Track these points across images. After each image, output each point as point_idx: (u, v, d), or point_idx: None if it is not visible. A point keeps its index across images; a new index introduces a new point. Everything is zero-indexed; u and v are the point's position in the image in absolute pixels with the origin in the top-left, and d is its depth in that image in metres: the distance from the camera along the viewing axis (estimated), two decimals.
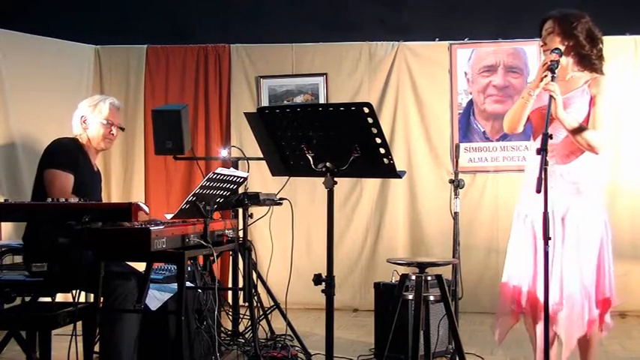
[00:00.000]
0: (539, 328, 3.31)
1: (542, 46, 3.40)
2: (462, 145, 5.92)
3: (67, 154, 3.73)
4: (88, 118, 3.86)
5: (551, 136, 3.00)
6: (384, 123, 5.65)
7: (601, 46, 3.38)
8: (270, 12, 6.36)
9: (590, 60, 3.36)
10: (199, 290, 3.89)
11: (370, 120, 2.70)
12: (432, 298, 3.72)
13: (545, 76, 3.18)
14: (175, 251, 3.29)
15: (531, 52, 6.01)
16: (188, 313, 3.62)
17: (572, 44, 3.34)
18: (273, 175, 3.65)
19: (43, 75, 5.84)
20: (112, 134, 3.91)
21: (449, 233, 4.46)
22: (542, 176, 2.88)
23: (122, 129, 4.03)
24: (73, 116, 3.90)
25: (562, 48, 3.32)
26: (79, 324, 3.41)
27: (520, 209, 3.46)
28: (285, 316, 4.45)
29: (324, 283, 2.86)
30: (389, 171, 2.87)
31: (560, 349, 3.40)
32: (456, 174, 4.35)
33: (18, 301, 3.67)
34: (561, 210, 3.30)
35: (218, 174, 3.50)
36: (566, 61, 3.37)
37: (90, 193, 3.67)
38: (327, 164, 2.87)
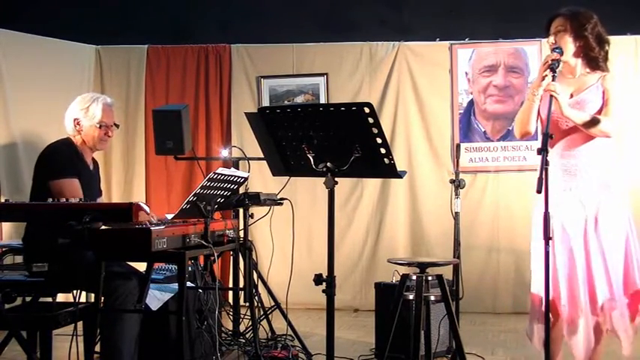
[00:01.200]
0: (577, 338, 3.27)
1: (552, 44, 3.35)
2: (463, 145, 5.91)
3: (67, 160, 3.69)
4: (81, 121, 3.78)
5: (551, 136, 3.00)
6: (384, 123, 5.64)
7: (608, 47, 3.40)
8: (270, 12, 6.35)
9: (597, 62, 3.38)
10: (200, 290, 3.89)
11: (371, 120, 2.70)
12: (432, 298, 3.72)
13: (546, 75, 3.18)
14: (176, 251, 3.29)
15: (532, 52, 6.01)
16: (189, 313, 3.62)
17: (581, 45, 3.35)
18: (273, 175, 3.66)
19: (44, 75, 5.84)
20: (108, 136, 3.85)
21: (449, 233, 4.47)
22: (543, 176, 2.88)
23: (117, 126, 3.95)
24: (65, 116, 3.82)
25: (572, 48, 3.33)
26: (80, 324, 3.41)
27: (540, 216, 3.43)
28: (285, 316, 4.46)
29: (324, 283, 2.86)
30: (389, 171, 2.87)
31: (564, 348, 3.41)
32: (457, 174, 4.36)
33: (19, 301, 3.67)
34: (593, 208, 3.30)
35: (219, 174, 3.50)
36: (575, 62, 3.38)
37: (88, 194, 3.66)
38: (328, 164, 2.87)
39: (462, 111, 6.15)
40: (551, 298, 3.26)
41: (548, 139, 2.97)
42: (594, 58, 3.37)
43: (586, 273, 3.27)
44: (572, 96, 3.35)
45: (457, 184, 4.33)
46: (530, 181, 4.93)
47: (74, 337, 3.21)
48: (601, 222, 3.29)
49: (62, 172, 3.61)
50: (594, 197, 3.30)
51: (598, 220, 3.29)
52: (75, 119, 3.80)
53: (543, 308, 3.25)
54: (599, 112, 3.32)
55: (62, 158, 3.69)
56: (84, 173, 3.77)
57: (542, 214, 3.22)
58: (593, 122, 3.25)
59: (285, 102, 6.27)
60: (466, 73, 6.14)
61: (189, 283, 3.62)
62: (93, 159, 3.95)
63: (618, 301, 3.25)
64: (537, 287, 3.39)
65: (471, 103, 6.14)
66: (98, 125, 3.79)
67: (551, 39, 3.35)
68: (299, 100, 6.30)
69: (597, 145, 3.33)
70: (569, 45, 3.33)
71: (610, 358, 4.36)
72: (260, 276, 4.58)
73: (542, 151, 2.93)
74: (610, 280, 3.25)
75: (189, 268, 3.80)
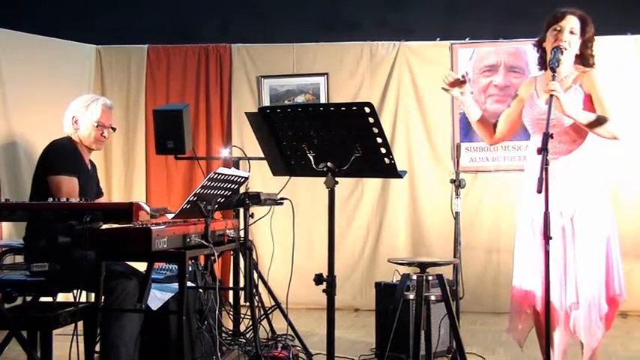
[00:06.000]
0: (557, 333, 3.31)
1: (557, 40, 3.30)
2: (463, 145, 5.91)
3: (68, 157, 3.71)
4: (79, 119, 3.81)
5: (552, 136, 3.00)
6: (385, 123, 5.65)
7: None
8: (271, 12, 6.36)
9: (587, 59, 3.38)
10: (200, 290, 3.89)
11: (371, 120, 2.70)
12: (433, 297, 3.72)
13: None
14: (176, 251, 3.29)
15: (532, 51, 5.96)
16: (189, 313, 3.62)
17: (584, 46, 3.36)
18: (274, 174, 3.66)
19: (44, 75, 5.84)
20: (104, 137, 3.87)
21: (450, 233, 4.45)
22: (543, 176, 2.88)
23: (113, 129, 3.98)
24: (64, 115, 3.85)
25: (576, 49, 3.33)
26: (80, 324, 3.41)
27: (525, 213, 3.45)
28: (286, 316, 4.45)
29: (325, 283, 2.86)
30: (390, 171, 2.87)
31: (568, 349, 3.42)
32: (457, 174, 4.35)
33: (19, 301, 3.67)
34: (570, 209, 3.29)
35: (219, 174, 3.50)
36: (569, 63, 3.36)
37: (87, 194, 3.67)
38: (328, 164, 2.87)
39: (462, 111, 6.14)
40: (529, 289, 3.37)
41: (548, 138, 2.97)
42: (586, 57, 3.37)
43: (563, 274, 3.28)
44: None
45: (457, 184, 4.31)
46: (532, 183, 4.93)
47: (74, 337, 3.20)
48: (577, 228, 3.29)
49: (62, 169, 3.63)
50: (572, 199, 3.29)
51: (574, 226, 3.29)
52: (73, 117, 3.83)
53: (527, 305, 3.38)
54: None
55: (63, 155, 3.71)
56: (83, 173, 3.78)
57: (526, 211, 3.42)
58: (600, 122, 3.20)
59: (286, 102, 6.27)
60: (466, 73, 6.12)
61: (189, 283, 3.62)
62: (90, 160, 3.97)
63: (586, 306, 3.25)
64: (518, 281, 3.45)
65: None
66: (95, 124, 3.82)
67: (567, 37, 3.30)
68: (299, 99, 6.30)
69: (581, 150, 3.33)
70: (574, 48, 3.33)
71: (610, 357, 4.37)
72: (260, 276, 4.58)
73: (543, 150, 2.93)
74: (577, 285, 3.26)
75: (190, 268, 3.80)
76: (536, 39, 3.49)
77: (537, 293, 3.34)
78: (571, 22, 3.31)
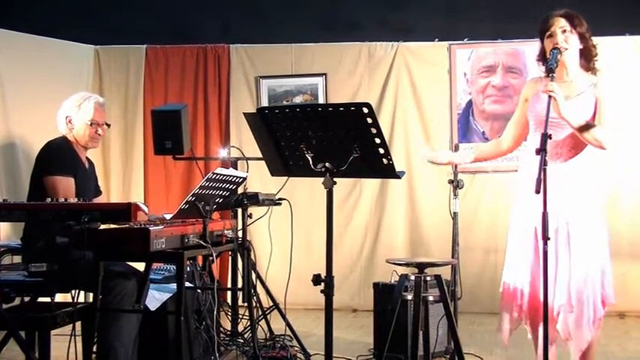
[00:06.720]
0: (541, 330, 3.31)
1: (556, 44, 3.30)
2: (462, 146, 5.91)
3: (64, 157, 3.71)
4: (73, 119, 3.82)
5: (550, 136, 3.00)
6: (383, 123, 5.64)
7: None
8: (269, 12, 6.36)
9: (592, 59, 3.39)
10: (198, 290, 3.89)
11: (369, 120, 2.70)
12: (431, 298, 3.72)
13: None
14: (174, 251, 3.29)
15: (531, 52, 5.97)
16: (187, 314, 3.62)
17: (584, 44, 3.36)
18: (272, 175, 3.65)
19: (43, 75, 5.83)
20: (99, 134, 3.88)
21: (448, 233, 4.46)
22: (542, 176, 2.88)
23: (108, 125, 3.98)
24: (57, 115, 3.85)
25: (577, 47, 3.33)
26: (78, 324, 3.41)
27: (518, 212, 3.45)
28: (284, 317, 4.45)
29: (323, 284, 2.86)
30: (388, 171, 2.87)
31: (558, 349, 3.42)
32: (455, 174, 4.35)
33: (17, 301, 3.67)
34: (565, 213, 3.29)
35: (217, 174, 3.50)
36: (571, 63, 3.36)
37: (84, 193, 3.67)
38: (327, 164, 2.87)
39: (460, 111, 6.15)
40: (519, 287, 3.38)
41: (547, 139, 2.97)
42: (590, 56, 3.38)
43: (553, 275, 3.28)
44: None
45: (456, 185, 4.32)
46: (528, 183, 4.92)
47: (72, 337, 3.20)
48: (571, 233, 3.29)
49: (57, 169, 3.64)
50: (566, 207, 3.29)
51: (569, 231, 3.30)
52: (67, 117, 3.84)
53: (518, 301, 3.39)
54: (592, 119, 3.29)
55: (59, 155, 3.72)
56: (79, 172, 3.79)
57: (520, 210, 3.43)
58: (587, 127, 3.22)
59: (284, 102, 6.28)
60: (465, 74, 6.14)
61: (187, 284, 3.62)
62: (87, 158, 3.97)
63: (578, 308, 3.26)
64: (507, 277, 3.46)
65: (470, 103, 6.14)
66: (89, 123, 3.83)
67: (561, 38, 3.30)
68: (297, 100, 6.30)
69: (580, 158, 3.33)
70: (573, 45, 3.33)
71: (609, 358, 4.38)
72: (258, 276, 4.58)
73: (542, 151, 2.93)
74: (569, 288, 3.27)
75: (188, 268, 3.80)
76: (537, 54, 3.49)
77: (525, 291, 3.35)
78: (559, 23, 3.33)
